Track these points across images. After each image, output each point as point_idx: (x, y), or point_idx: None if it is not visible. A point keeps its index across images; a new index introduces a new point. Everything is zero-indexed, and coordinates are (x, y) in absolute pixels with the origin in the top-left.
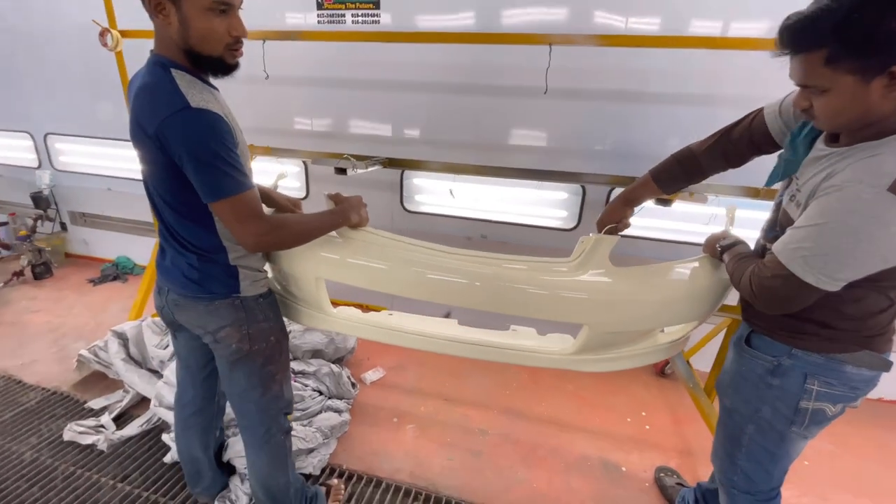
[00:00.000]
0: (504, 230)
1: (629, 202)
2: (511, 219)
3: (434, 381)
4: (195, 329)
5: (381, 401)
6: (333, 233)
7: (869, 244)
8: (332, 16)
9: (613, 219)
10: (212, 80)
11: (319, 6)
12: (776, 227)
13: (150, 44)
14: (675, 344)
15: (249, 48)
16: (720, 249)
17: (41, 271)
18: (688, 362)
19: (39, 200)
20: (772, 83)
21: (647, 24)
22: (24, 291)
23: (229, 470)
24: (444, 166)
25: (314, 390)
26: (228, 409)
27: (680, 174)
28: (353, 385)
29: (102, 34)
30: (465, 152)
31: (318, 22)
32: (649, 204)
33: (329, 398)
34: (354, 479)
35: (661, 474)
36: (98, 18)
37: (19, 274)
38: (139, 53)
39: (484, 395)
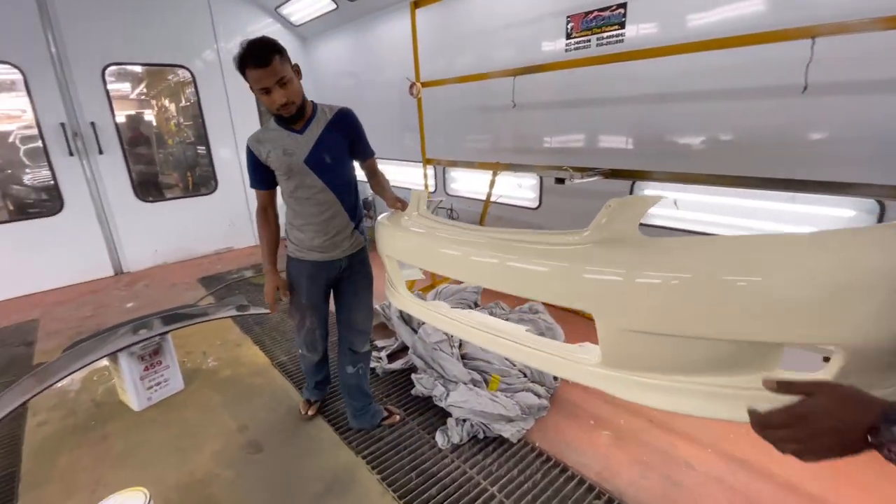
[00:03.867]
0: None
1: None
2: None
3: None
4: None
5: (581, 401)
6: (404, 220)
7: None
8: (578, 43)
9: None
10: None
11: (568, 35)
12: None
13: (439, 91)
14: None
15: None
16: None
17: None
18: None
19: (367, 205)
20: None
21: None
22: None
23: (445, 413)
24: (672, 175)
25: (520, 371)
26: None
27: None
28: (555, 378)
29: (411, 87)
30: (700, 161)
31: (566, 50)
32: None
33: (532, 382)
34: (544, 458)
35: None
36: (409, 75)
37: None
38: (431, 99)
39: (701, 432)
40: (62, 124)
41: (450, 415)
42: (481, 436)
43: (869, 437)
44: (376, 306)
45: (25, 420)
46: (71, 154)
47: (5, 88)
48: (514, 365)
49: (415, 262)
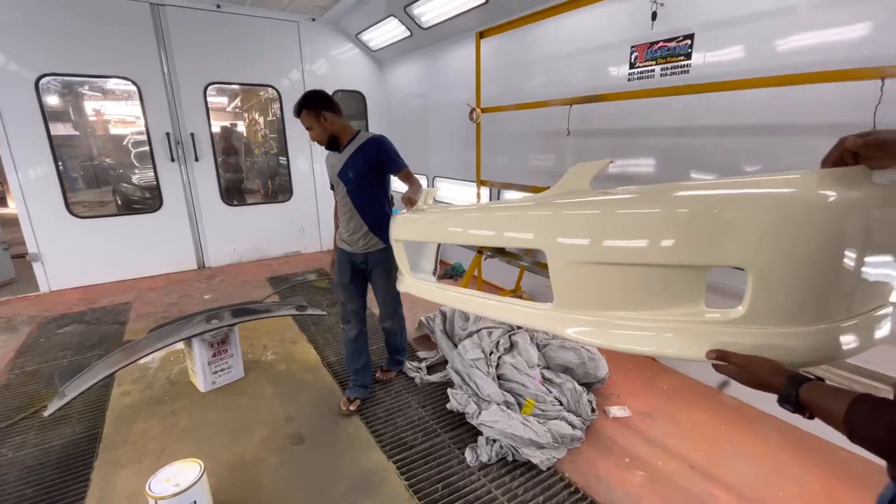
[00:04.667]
0: None
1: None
2: None
3: (684, 443)
4: None
5: (618, 437)
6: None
7: None
8: (642, 72)
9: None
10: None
11: (631, 65)
12: None
13: (499, 117)
14: (723, 324)
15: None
16: (792, 384)
17: None
18: None
19: None
20: None
21: None
22: None
23: (476, 431)
24: None
25: (556, 398)
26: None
27: None
28: (593, 410)
29: (471, 112)
30: None
31: (629, 79)
32: None
33: (567, 411)
34: (572, 489)
35: None
36: (471, 101)
37: None
38: (494, 121)
39: (745, 483)
40: (167, 133)
41: (481, 433)
42: (510, 458)
43: (779, 392)
44: (421, 318)
45: (112, 389)
46: (172, 160)
47: (123, 98)
48: (551, 392)
49: (413, 237)
